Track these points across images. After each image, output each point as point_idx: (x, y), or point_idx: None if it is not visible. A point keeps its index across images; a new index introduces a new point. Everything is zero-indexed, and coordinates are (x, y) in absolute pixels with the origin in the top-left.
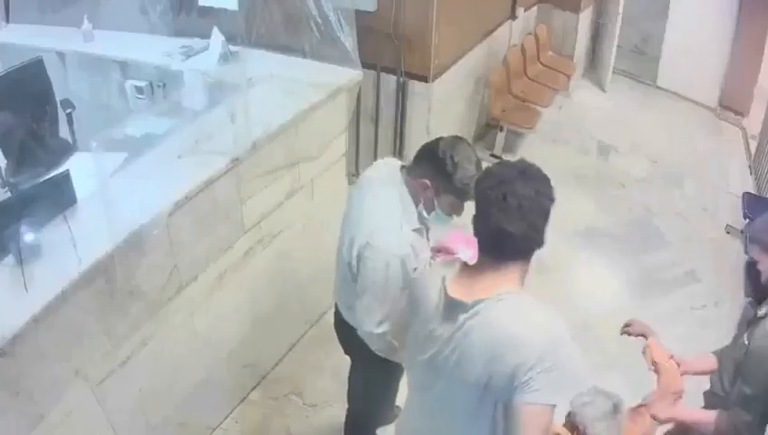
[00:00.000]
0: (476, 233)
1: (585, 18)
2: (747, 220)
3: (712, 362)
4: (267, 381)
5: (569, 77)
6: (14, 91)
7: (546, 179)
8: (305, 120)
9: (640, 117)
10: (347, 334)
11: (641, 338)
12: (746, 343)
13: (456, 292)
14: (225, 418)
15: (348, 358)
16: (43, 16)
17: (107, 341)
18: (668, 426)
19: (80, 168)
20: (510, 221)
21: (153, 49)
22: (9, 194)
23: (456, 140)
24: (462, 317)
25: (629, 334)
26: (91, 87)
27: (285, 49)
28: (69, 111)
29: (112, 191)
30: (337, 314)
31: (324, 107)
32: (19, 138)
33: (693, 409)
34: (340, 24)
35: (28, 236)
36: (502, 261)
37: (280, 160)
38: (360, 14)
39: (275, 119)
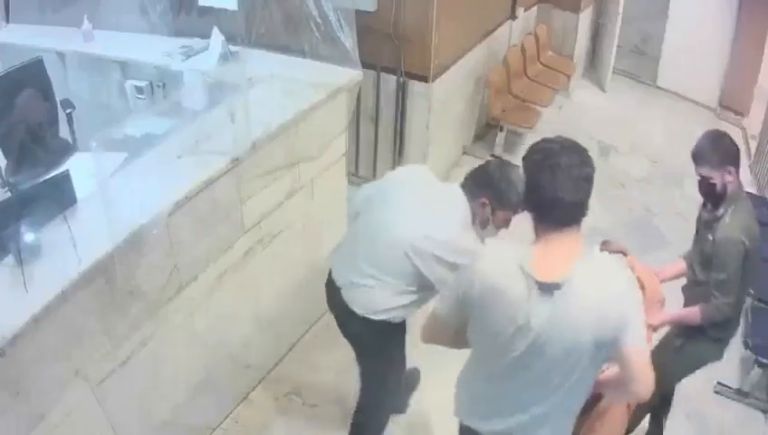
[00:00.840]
0: (533, 208)
1: (585, 18)
2: None
3: (682, 266)
4: (267, 381)
5: (569, 77)
6: (14, 92)
7: (585, 150)
8: (305, 120)
9: (640, 117)
10: (355, 323)
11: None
12: (711, 238)
13: (541, 275)
14: (225, 418)
15: (347, 357)
16: (43, 16)
17: (107, 341)
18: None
19: (80, 168)
20: (565, 190)
21: (153, 49)
22: (9, 194)
23: (504, 162)
24: (558, 297)
25: (609, 252)
26: (91, 87)
27: (285, 49)
28: (69, 111)
29: (112, 191)
30: (339, 301)
31: (324, 107)
32: (19, 138)
33: (678, 310)
34: (340, 24)
35: (28, 236)
36: (563, 231)
37: (280, 160)
38: (360, 14)
39: (275, 119)
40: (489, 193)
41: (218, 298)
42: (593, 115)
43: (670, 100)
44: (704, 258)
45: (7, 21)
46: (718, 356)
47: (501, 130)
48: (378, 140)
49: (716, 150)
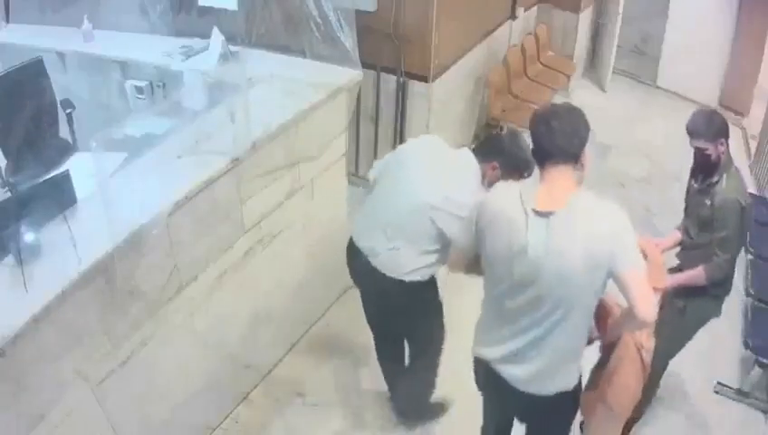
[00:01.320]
0: (535, 153)
1: (585, 18)
2: None
3: (678, 236)
4: (267, 381)
5: (569, 77)
6: (13, 92)
7: (583, 114)
8: (305, 120)
9: (640, 117)
10: (389, 289)
11: None
12: (709, 202)
13: (541, 206)
14: (225, 418)
15: (347, 357)
16: (43, 16)
17: (107, 341)
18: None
19: (80, 168)
20: (558, 136)
21: (153, 49)
22: (9, 194)
23: (515, 132)
24: (555, 223)
25: None
26: (91, 87)
27: (285, 49)
28: (69, 111)
29: (112, 191)
30: (364, 265)
31: (324, 107)
32: (19, 138)
33: (681, 273)
34: (340, 24)
35: (28, 236)
36: (559, 168)
37: (280, 160)
38: (360, 14)
39: (275, 119)
40: (501, 159)
41: (218, 298)
42: (593, 115)
43: (670, 100)
44: (701, 222)
45: (7, 21)
46: (717, 313)
47: (501, 130)
48: (378, 140)
49: (711, 126)
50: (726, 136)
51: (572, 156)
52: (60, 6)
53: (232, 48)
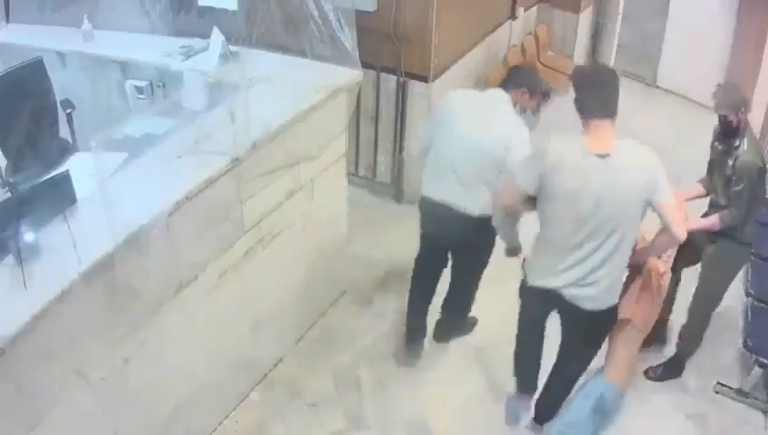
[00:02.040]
0: (584, 109)
1: (585, 18)
2: None
3: (700, 189)
4: (267, 381)
5: (569, 77)
6: (14, 91)
7: (615, 72)
8: (305, 121)
9: (640, 117)
10: (462, 233)
11: None
12: (731, 163)
13: (595, 150)
14: (225, 418)
15: (347, 357)
16: (42, 16)
17: (107, 341)
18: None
19: (80, 168)
20: (606, 95)
21: (153, 49)
22: (9, 194)
23: (528, 66)
24: (611, 163)
25: None
26: (91, 87)
27: (285, 49)
28: (69, 111)
29: (112, 191)
30: (440, 223)
31: (324, 107)
32: (19, 138)
33: (703, 219)
34: (340, 24)
35: (28, 236)
36: (605, 122)
37: (280, 160)
38: (360, 14)
39: (275, 119)
40: (525, 85)
41: (218, 298)
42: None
43: (670, 100)
44: (725, 180)
45: (7, 21)
46: (746, 258)
47: None
48: (378, 140)
49: (731, 96)
50: (745, 105)
51: (615, 112)
52: (60, 6)
53: (232, 48)
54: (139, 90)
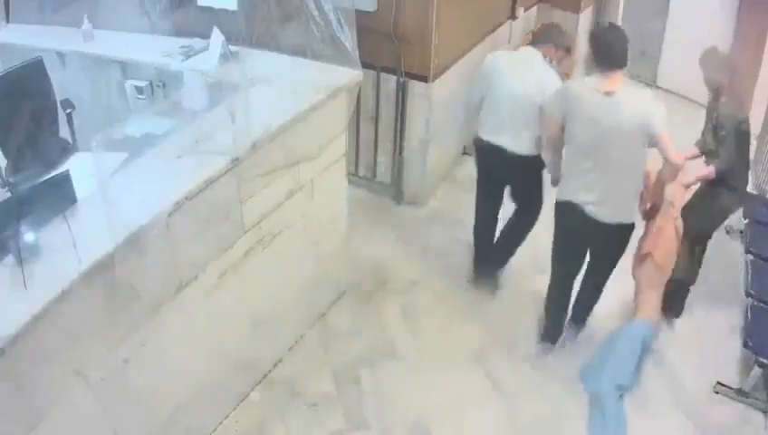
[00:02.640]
0: (597, 62)
1: (585, 18)
2: (747, 220)
3: (695, 150)
4: (267, 381)
5: (569, 77)
6: (14, 91)
7: (622, 28)
8: (305, 120)
9: None
10: (514, 169)
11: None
12: (716, 114)
13: (604, 89)
14: (225, 418)
15: (347, 357)
16: (42, 16)
17: (107, 341)
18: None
19: (80, 168)
20: (618, 46)
21: (153, 49)
22: (9, 194)
23: (554, 24)
24: (615, 99)
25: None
26: (91, 87)
27: (285, 49)
28: (69, 111)
29: (112, 191)
30: (499, 163)
31: (324, 107)
32: (19, 138)
33: (700, 170)
34: (340, 24)
35: (28, 236)
36: (616, 71)
37: (280, 160)
38: (360, 14)
39: (275, 119)
40: (552, 41)
41: (218, 298)
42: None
43: (670, 100)
44: (713, 131)
45: (7, 21)
46: (737, 204)
47: None
48: (378, 140)
49: (716, 61)
50: (729, 68)
51: (622, 64)
52: (60, 6)
53: (232, 48)
54: (139, 90)
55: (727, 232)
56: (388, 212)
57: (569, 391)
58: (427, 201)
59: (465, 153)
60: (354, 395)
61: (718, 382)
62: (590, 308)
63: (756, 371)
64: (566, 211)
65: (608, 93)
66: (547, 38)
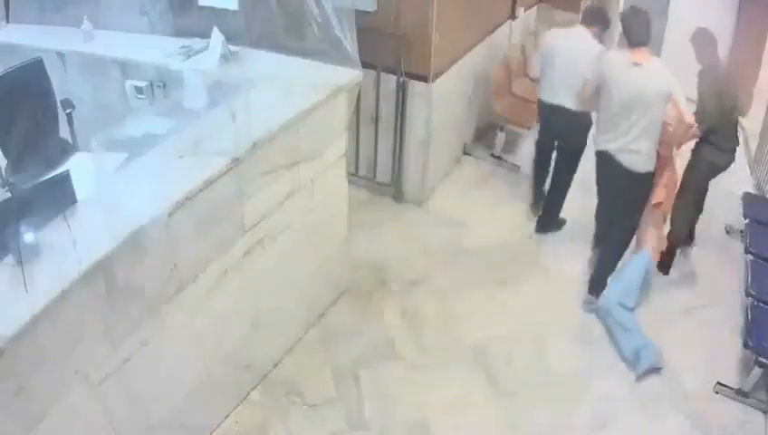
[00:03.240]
0: (626, 40)
1: None
2: (747, 220)
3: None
4: (267, 381)
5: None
6: (14, 91)
7: (646, 13)
8: (305, 121)
9: None
10: (566, 123)
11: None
12: (698, 79)
13: (633, 60)
14: (225, 418)
15: (347, 357)
16: (43, 16)
17: (107, 341)
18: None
19: (80, 168)
20: (639, 27)
21: (153, 49)
22: (9, 194)
23: (599, 8)
24: (643, 69)
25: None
26: (91, 87)
27: (285, 49)
28: (69, 111)
29: (112, 191)
30: (555, 125)
31: (324, 107)
32: (19, 138)
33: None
34: (340, 24)
35: (28, 236)
36: (640, 47)
37: (280, 160)
38: (359, 14)
39: (275, 119)
40: (599, 23)
41: (218, 298)
42: (593, 115)
43: None
44: (699, 95)
45: (7, 21)
46: (723, 161)
47: (501, 130)
48: (378, 140)
49: (705, 39)
50: (714, 45)
51: (647, 41)
52: (60, 6)
53: (232, 48)
54: (139, 90)
55: (727, 232)
56: (388, 212)
57: (569, 391)
58: (426, 201)
59: (465, 153)
60: (354, 395)
61: (718, 382)
62: (610, 271)
63: (756, 371)
64: (601, 158)
65: (636, 64)
66: (592, 20)
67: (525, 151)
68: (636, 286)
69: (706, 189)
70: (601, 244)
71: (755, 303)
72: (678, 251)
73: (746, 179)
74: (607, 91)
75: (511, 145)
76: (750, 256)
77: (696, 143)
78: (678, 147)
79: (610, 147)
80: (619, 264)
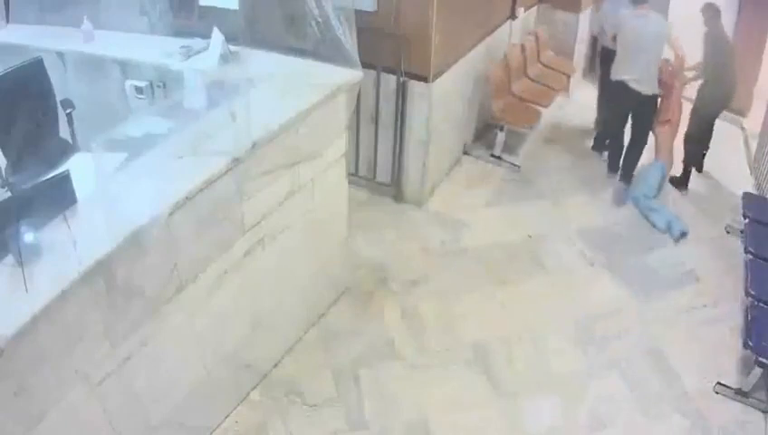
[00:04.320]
0: (631, 1)
1: (585, 18)
2: (747, 220)
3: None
4: (267, 381)
5: (569, 77)
6: (14, 91)
7: None
8: (305, 121)
9: None
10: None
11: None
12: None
13: (638, 13)
14: (225, 418)
15: (347, 358)
16: (43, 16)
17: (107, 341)
18: None
19: (80, 168)
20: None
21: (153, 49)
22: (9, 194)
23: None
24: (647, 19)
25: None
26: (91, 87)
27: (285, 49)
28: (69, 111)
29: (112, 191)
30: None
31: (324, 107)
32: (19, 138)
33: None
34: (340, 24)
35: (28, 236)
36: (643, 5)
37: (280, 160)
38: (359, 14)
39: (275, 119)
40: (646, 2)
41: (218, 298)
42: (593, 115)
43: None
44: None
45: (7, 21)
46: (720, 104)
47: (501, 130)
48: (378, 140)
49: (711, 11)
50: (716, 14)
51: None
52: (60, 6)
53: (232, 48)
54: (139, 90)
55: (727, 232)
56: (388, 212)
57: (569, 391)
58: (426, 201)
59: (465, 153)
60: (354, 395)
61: (718, 382)
62: (634, 165)
63: (756, 371)
64: (618, 86)
65: (642, 15)
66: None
67: (526, 152)
68: (655, 185)
69: (711, 125)
70: (614, 147)
71: (755, 303)
72: (691, 171)
73: (746, 179)
74: (621, 36)
75: (511, 145)
76: (750, 256)
77: (701, 86)
78: (680, 82)
79: (625, 77)
80: (639, 170)
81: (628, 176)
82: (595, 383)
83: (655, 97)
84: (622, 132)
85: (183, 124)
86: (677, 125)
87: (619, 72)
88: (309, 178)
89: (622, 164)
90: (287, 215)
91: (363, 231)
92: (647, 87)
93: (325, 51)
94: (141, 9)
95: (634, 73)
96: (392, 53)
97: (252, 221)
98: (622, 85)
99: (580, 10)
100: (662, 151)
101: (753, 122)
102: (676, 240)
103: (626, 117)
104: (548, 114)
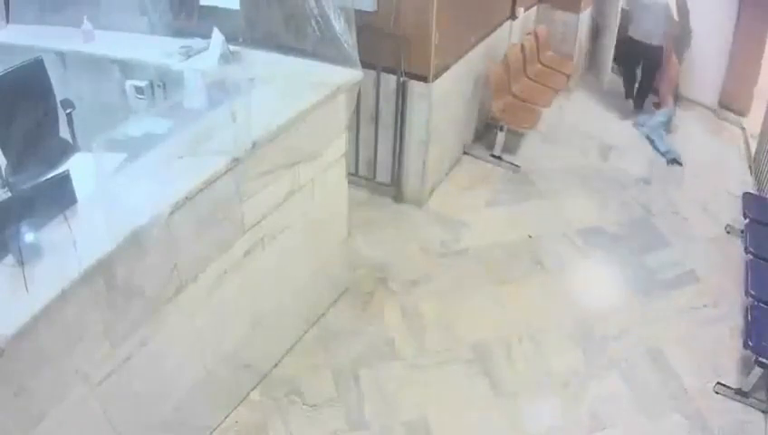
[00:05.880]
0: None
1: (585, 18)
2: (747, 220)
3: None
4: (267, 381)
5: (569, 77)
6: (14, 91)
7: None
8: (305, 121)
9: None
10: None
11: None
12: None
13: None
14: (225, 418)
15: (347, 358)
16: (43, 16)
17: (107, 341)
18: None
19: (80, 168)
20: None
21: (153, 49)
22: (9, 194)
23: None
24: None
25: None
26: (91, 87)
27: (285, 49)
28: (69, 111)
29: (112, 191)
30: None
31: (324, 107)
32: (19, 138)
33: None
34: (341, 24)
35: (28, 236)
36: None
37: (280, 160)
38: (359, 14)
39: (275, 119)
40: None
41: (218, 298)
42: (593, 115)
43: None
44: None
45: (7, 21)
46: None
47: (501, 130)
48: (378, 140)
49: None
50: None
51: None
52: (60, 6)
53: (232, 48)
54: (139, 90)
55: (727, 232)
56: (388, 212)
57: (569, 391)
58: (426, 201)
59: (465, 153)
60: (354, 395)
61: (718, 382)
62: (645, 96)
63: (756, 371)
64: (632, 41)
65: None
66: None
67: (526, 152)
68: (660, 126)
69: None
70: (628, 80)
71: (755, 303)
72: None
73: (746, 179)
74: (634, 5)
75: (511, 145)
76: (750, 256)
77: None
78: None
79: (637, 34)
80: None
81: (640, 102)
82: (595, 383)
83: (660, 48)
84: (633, 74)
85: (183, 124)
86: (677, 75)
87: (631, 30)
88: (309, 178)
89: (636, 93)
90: (287, 215)
91: (363, 231)
92: (653, 39)
93: (325, 51)
94: (141, 9)
95: (643, 28)
96: (392, 52)
97: (252, 221)
98: (634, 40)
99: (580, 10)
100: (667, 100)
101: (753, 122)
102: (669, 163)
103: (637, 62)
104: (548, 114)
